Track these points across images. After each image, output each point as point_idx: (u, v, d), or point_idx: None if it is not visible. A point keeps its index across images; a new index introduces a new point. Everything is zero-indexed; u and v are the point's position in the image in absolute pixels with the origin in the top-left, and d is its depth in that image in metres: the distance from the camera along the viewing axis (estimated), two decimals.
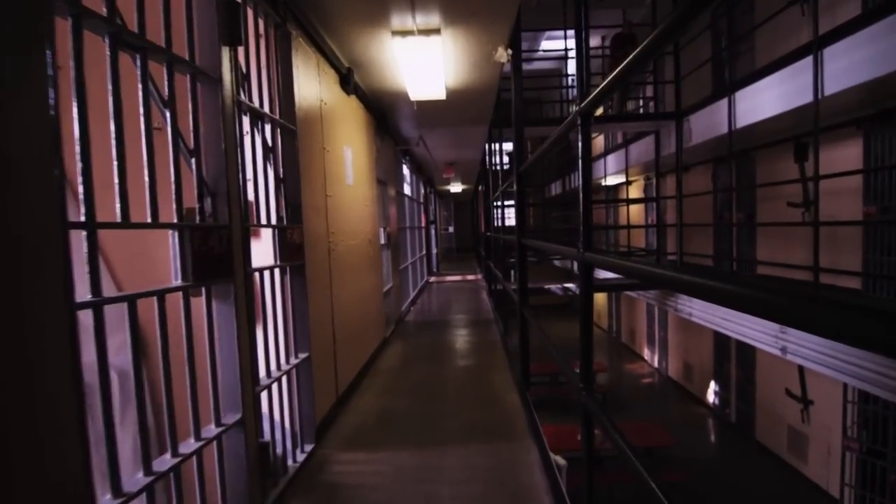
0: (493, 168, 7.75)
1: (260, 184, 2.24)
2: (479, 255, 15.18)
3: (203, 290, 1.65)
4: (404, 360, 4.63)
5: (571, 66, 14.90)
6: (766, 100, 6.37)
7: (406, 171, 8.08)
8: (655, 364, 13.15)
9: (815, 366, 5.30)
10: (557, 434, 6.77)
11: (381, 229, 5.58)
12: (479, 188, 12.83)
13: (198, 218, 1.63)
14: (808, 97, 5.10)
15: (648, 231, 13.14)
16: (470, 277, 12.17)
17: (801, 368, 7.15)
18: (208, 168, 1.73)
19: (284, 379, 2.41)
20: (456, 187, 15.03)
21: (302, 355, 2.63)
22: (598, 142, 14.83)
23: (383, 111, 5.23)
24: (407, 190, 8.21)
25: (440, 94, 4.50)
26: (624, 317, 15.73)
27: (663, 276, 1.03)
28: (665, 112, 9.12)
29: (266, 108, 2.36)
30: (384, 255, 5.55)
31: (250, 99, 2.16)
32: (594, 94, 1.56)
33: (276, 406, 2.31)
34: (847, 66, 4.59)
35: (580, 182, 1.75)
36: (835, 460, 6.97)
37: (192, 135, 1.63)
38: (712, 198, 9.95)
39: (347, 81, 3.68)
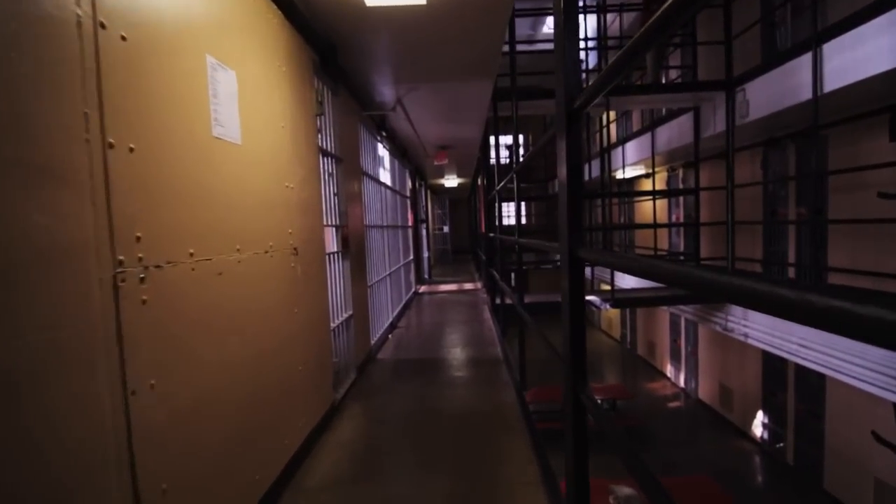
0: (496, 161, 5.82)
1: None
2: (478, 259, 13.30)
3: None
4: (357, 459, 2.67)
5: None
6: (875, 50, 4.48)
7: (383, 152, 6.13)
8: (681, 384, 11.33)
9: None
10: None
11: (332, 230, 3.64)
12: (480, 182, 10.91)
13: None
14: None
15: (672, 232, 11.36)
16: (467, 286, 10.22)
17: None
18: None
19: None
20: (451, 181, 13.07)
21: None
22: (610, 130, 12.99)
23: (330, 41, 3.30)
24: (385, 178, 6.27)
25: None
26: (640, 327, 13.91)
27: None
28: (712, 81, 7.20)
29: None
30: (336, 268, 3.61)
31: None
32: None
33: None
34: None
35: None
36: None
37: None
38: (761, 190, 8.16)
39: None
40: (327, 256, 3.33)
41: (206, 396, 1.67)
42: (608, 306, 7.47)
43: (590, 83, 1.40)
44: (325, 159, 3.43)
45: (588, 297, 7.67)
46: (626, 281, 9.94)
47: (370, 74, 4.04)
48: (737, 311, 7.32)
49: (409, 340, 5.46)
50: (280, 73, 2.53)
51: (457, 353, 4.82)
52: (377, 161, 5.60)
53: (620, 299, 7.50)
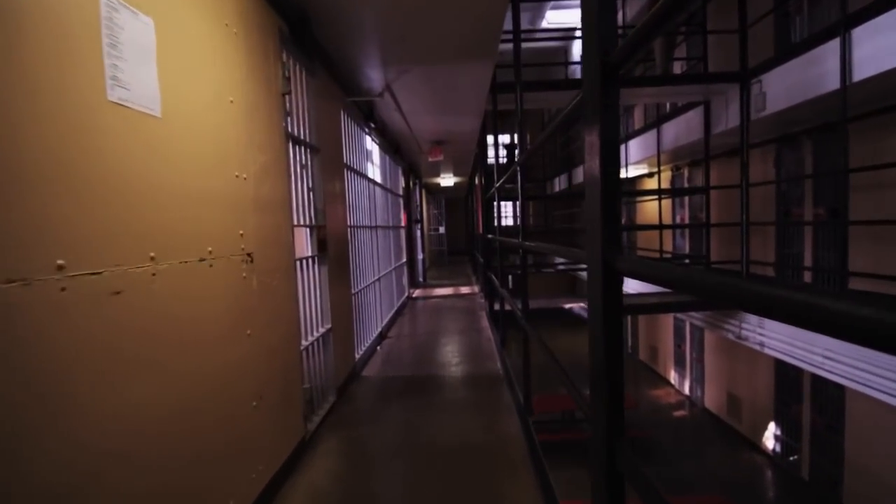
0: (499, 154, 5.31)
1: None
2: (475, 261, 12.82)
3: None
4: None
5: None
6: None
7: (372, 145, 5.62)
8: (686, 391, 10.88)
9: None
10: None
11: (306, 231, 3.13)
12: (477, 181, 10.41)
13: None
14: None
15: (675, 233, 10.92)
16: (464, 290, 9.71)
17: None
18: None
19: None
20: (447, 180, 12.57)
21: None
22: None
23: (300, 8, 2.79)
24: (374, 174, 5.76)
25: None
26: (642, 331, 13.44)
27: None
28: (726, 72, 6.73)
29: None
30: (310, 275, 3.09)
31: None
32: None
33: None
34: None
35: None
36: None
37: None
38: (773, 190, 7.73)
39: None
40: (298, 262, 2.82)
41: (92, 471, 1.16)
42: None
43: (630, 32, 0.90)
44: (297, 148, 2.92)
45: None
46: (629, 284, 9.47)
47: (353, 53, 3.53)
48: (751, 318, 6.85)
49: (399, 353, 4.95)
50: (229, 35, 2.01)
51: (452, 368, 4.31)
52: (364, 155, 5.09)
53: (627, 306, 7.00)
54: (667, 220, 10.87)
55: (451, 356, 4.71)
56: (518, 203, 2.93)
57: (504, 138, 16.33)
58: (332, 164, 3.62)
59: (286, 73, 2.60)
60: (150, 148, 1.46)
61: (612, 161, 1.15)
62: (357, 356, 4.22)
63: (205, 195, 1.76)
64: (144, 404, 1.37)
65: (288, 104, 2.77)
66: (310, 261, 3.06)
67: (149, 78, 1.47)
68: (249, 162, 2.15)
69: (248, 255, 2.08)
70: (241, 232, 2.01)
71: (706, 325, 8.05)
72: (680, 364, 11.05)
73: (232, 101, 2.01)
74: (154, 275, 1.44)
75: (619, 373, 1.17)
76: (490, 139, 8.37)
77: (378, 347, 5.08)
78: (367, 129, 5.13)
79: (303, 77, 3.07)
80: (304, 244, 3.07)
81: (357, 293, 4.47)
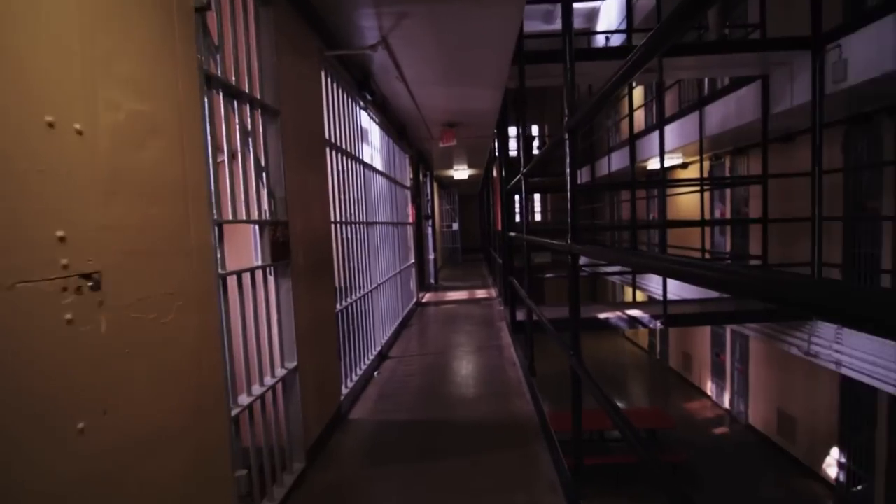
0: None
1: None
2: (490, 260, 11.77)
3: None
4: None
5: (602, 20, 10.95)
6: None
7: (369, 124, 4.60)
8: (726, 405, 9.81)
9: None
10: None
11: (254, 229, 2.14)
12: (494, 173, 9.35)
13: None
14: None
15: (714, 231, 9.79)
16: (480, 294, 8.67)
17: None
18: None
19: None
20: (461, 172, 11.52)
21: None
22: (638, 116, 11.38)
23: None
24: (374, 160, 4.75)
25: None
26: (673, 335, 12.30)
27: None
28: (793, 37, 5.56)
29: None
30: (259, 295, 2.09)
31: None
32: None
33: None
34: None
35: None
36: None
37: None
38: (842, 179, 6.61)
39: None
40: (234, 277, 1.83)
41: None
42: (659, 324, 5.92)
43: None
44: (234, 104, 1.92)
45: (630, 312, 6.10)
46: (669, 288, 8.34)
47: None
48: (826, 331, 5.74)
49: (401, 382, 3.94)
50: None
51: (468, 409, 3.28)
52: (359, 133, 4.08)
53: (675, 316, 5.91)
54: (698, 215, 9.74)
55: (467, 388, 3.69)
56: (567, 191, 1.89)
57: (511, 137, 15.23)
58: (303, 139, 2.63)
59: None
60: None
61: None
62: (344, 392, 3.22)
63: None
64: None
65: (215, 34, 1.78)
66: (258, 273, 2.07)
67: None
68: (99, 105, 1.16)
69: (87, 276, 1.09)
70: (59, 234, 1.03)
71: (762, 336, 6.92)
72: (718, 374, 9.94)
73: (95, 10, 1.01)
74: None
75: None
76: (513, 130, 7.33)
77: (376, 373, 4.08)
78: (361, 102, 4.12)
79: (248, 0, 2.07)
80: (251, 249, 2.08)
81: (346, 308, 3.47)
